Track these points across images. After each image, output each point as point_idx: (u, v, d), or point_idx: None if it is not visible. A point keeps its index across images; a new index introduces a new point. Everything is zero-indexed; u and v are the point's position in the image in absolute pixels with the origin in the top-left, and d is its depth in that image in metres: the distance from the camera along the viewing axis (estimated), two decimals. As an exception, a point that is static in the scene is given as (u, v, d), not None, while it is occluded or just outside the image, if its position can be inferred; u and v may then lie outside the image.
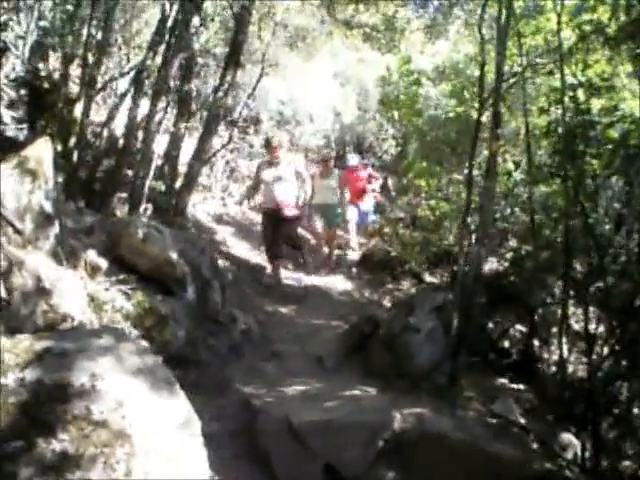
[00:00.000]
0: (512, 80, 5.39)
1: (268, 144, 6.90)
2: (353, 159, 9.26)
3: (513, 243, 7.96)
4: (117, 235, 4.16)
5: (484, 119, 5.87)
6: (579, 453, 4.71)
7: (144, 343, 2.36)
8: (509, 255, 8.21)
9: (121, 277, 3.72)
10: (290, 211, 6.69)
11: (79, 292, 3.40)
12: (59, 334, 2.56)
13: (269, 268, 7.04)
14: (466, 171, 6.87)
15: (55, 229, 3.70)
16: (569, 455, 4.79)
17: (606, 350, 5.36)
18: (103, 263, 3.68)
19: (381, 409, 3.77)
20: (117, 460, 1.90)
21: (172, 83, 5.34)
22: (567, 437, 4.97)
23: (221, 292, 4.93)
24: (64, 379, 2.06)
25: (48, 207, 3.66)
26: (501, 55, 4.98)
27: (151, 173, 5.55)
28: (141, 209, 5.39)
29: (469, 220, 5.84)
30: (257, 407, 3.69)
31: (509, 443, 4.02)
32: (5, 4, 5.20)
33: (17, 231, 3.45)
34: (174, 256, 4.16)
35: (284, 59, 9.59)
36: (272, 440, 3.37)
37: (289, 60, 10.00)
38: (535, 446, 4.51)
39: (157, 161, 6.09)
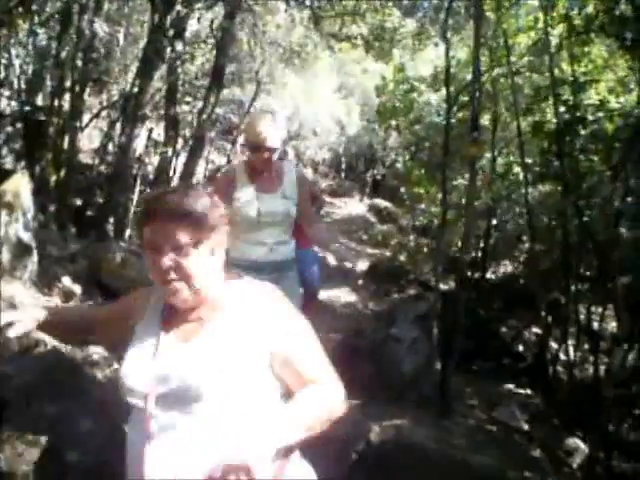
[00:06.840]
0: (484, 79, 5.31)
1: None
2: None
3: (528, 245, 7.85)
4: (98, 260, 4.25)
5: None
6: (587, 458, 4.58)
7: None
8: (522, 257, 8.11)
9: (95, 300, 3.80)
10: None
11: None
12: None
13: None
14: (467, 175, 6.82)
15: (34, 258, 3.82)
16: (577, 460, 4.66)
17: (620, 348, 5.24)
18: (77, 289, 3.77)
19: (357, 421, 3.72)
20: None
21: (148, 109, 5.43)
22: (574, 442, 4.83)
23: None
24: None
25: (26, 238, 3.78)
26: (477, 56, 4.93)
27: (135, 198, 5.65)
28: (126, 234, 5.49)
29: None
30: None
31: (502, 451, 3.93)
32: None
33: (-7, 262, 3.57)
34: (153, 278, 4.22)
35: (284, 75, 9.67)
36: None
37: (290, 76, 10.08)
38: (537, 453, 4.41)
39: (144, 186, 6.19)
